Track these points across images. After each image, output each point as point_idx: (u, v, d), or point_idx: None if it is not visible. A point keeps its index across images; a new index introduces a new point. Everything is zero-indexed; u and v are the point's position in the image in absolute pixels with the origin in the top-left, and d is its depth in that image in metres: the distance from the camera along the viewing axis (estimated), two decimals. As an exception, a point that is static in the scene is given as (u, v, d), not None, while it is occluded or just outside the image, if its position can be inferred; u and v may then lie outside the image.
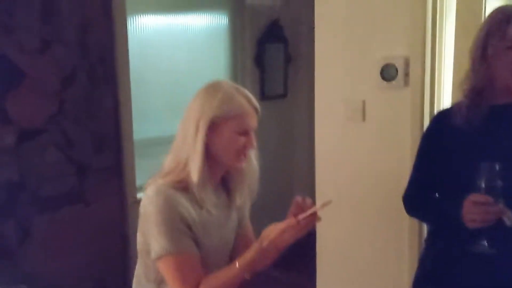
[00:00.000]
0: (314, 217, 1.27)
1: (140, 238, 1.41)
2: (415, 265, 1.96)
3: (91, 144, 2.82)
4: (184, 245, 1.33)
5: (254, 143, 1.40)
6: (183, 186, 1.36)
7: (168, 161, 1.41)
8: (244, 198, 1.51)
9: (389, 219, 2.09)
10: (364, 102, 2.06)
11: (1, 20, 2.42)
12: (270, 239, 1.26)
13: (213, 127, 1.35)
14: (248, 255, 1.31)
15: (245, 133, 1.38)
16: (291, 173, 4.53)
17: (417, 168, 1.65)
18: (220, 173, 1.45)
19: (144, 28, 3.32)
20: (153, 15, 3.39)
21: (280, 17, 4.20)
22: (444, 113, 1.62)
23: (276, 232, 1.26)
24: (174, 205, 1.32)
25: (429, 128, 1.66)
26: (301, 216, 1.25)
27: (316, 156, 2.24)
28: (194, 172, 1.34)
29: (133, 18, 3.20)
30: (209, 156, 1.36)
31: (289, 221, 1.26)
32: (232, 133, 1.36)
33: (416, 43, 1.89)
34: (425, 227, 2.03)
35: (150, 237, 1.34)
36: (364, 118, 2.07)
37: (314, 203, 1.32)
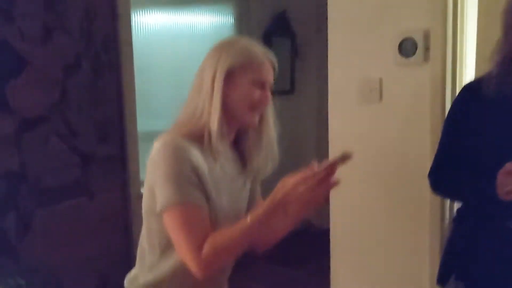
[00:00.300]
0: (332, 172, 1.15)
1: (146, 195, 1.31)
2: (436, 253, 1.86)
3: (95, 133, 2.76)
4: (193, 196, 1.21)
5: (270, 99, 1.35)
6: (196, 138, 1.28)
7: (181, 114, 1.34)
8: (261, 163, 1.41)
9: (409, 205, 1.98)
10: (381, 81, 1.95)
11: (2, 7, 2.37)
12: (285, 191, 1.15)
13: (229, 78, 1.29)
14: (260, 209, 1.19)
15: (261, 86, 1.32)
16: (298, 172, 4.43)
17: (444, 143, 1.56)
18: (233, 130, 1.37)
19: (148, 23, 3.32)
20: (158, 10, 3.39)
21: (287, 9, 4.11)
22: (472, 86, 1.54)
23: (291, 183, 1.14)
24: (184, 154, 1.22)
25: (456, 102, 1.57)
26: (319, 168, 1.14)
27: (330, 140, 2.13)
28: (214, 121, 1.26)
29: (138, 13, 3.17)
30: (223, 110, 1.29)
31: (305, 171, 1.15)
32: (248, 85, 1.30)
33: (436, 14, 1.78)
34: (447, 213, 1.92)
35: (156, 189, 1.23)
36: (381, 98, 1.96)
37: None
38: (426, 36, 1.82)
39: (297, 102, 4.45)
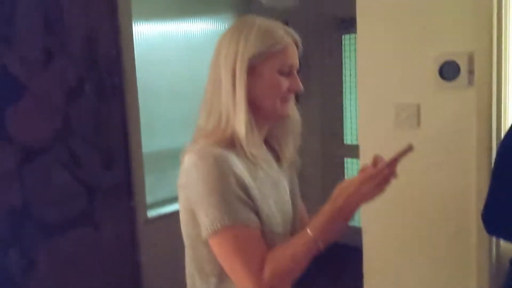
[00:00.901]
0: (392, 169, 1.06)
1: (185, 220, 1.14)
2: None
3: (99, 161, 2.64)
4: (243, 215, 1.06)
5: (300, 84, 1.18)
6: (228, 145, 1.11)
7: (204, 122, 1.16)
8: (291, 153, 1.28)
9: (451, 245, 1.82)
10: (419, 106, 1.80)
11: (0, 30, 2.21)
12: (347, 194, 1.05)
13: (250, 70, 1.12)
14: (321, 218, 1.07)
15: (288, 72, 1.15)
16: (302, 187, 4.28)
17: (501, 177, 1.42)
18: (266, 126, 1.21)
19: (150, 37, 3.19)
20: (158, 23, 3.27)
21: (289, 19, 3.97)
22: None
23: (354, 186, 1.05)
24: (226, 165, 1.06)
25: None
26: (381, 165, 1.05)
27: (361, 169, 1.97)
28: (240, 124, 1.10)
29: (138, 24, 3.01)
30: (251, 107, 1.12)
31: (367, 172, 1.05)
32: (274, 74, 1.13)
33: (482, 36, 1.64)
34: (493, 252, 1.77)
35: (198, 211, 1.07)
36: (419, 124, 1.81)
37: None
38: (471, 59, 1.68)
39: (301, 113, 4.31)
